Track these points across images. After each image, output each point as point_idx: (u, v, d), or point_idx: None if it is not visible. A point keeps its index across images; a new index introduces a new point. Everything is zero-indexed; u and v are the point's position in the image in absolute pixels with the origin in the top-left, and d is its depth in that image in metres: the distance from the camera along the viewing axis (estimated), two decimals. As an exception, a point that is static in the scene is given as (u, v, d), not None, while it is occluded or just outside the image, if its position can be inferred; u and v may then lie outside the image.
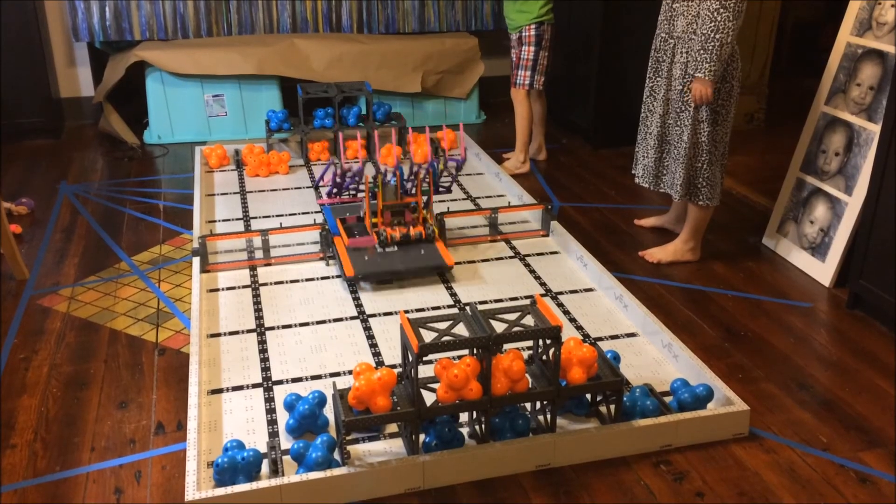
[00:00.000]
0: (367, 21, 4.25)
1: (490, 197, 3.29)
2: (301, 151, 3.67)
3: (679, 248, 2.72)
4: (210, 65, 3.79)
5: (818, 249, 2.61)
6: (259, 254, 2.68)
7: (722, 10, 2.31)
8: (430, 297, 2.49)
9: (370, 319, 2.35)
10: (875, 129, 2.41)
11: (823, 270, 2.57)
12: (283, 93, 3.96)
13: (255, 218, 3.03)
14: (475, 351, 1.73)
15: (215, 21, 4.05)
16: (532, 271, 2.66)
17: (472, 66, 4.25)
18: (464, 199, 3.26)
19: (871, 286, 2.31)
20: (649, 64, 2.63)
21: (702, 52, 2.37)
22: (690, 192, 2.61)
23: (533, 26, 3.38)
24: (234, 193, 3.27)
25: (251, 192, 3.30)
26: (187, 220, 3.01)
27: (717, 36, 2.33)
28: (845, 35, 2.61)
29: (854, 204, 2.49)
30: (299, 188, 3.34)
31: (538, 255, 2.78)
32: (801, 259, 2.68)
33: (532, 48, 3.42)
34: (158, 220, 3.04)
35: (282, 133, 3.70)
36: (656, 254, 2.74)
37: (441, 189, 2.85)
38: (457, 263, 2.66)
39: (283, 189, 3.33)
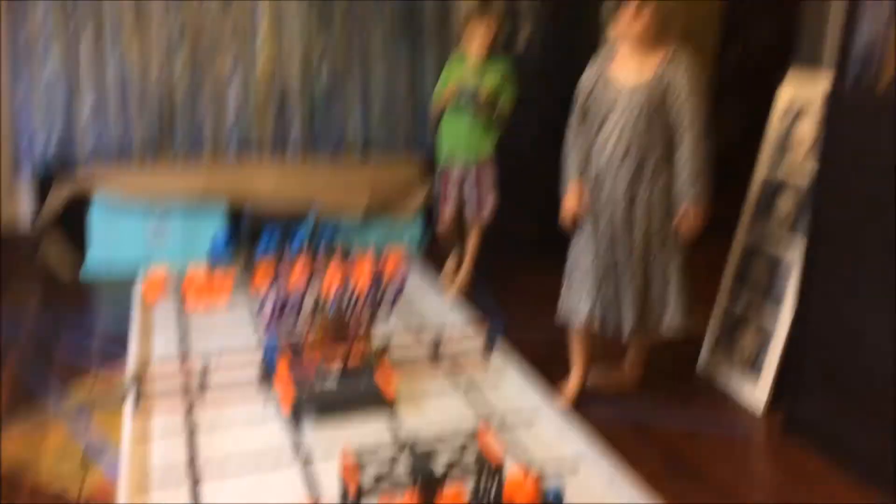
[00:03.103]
0: (314, 145, 4.35)
1: (433, 321, 3.31)
2: (244, 278, 3.66)
3: (631, 378, 2.74)
4: (154, 190, 3.81)
5: (750, 375, 2.67)
6: (196, 394, 2.62)
7: (700, 140, 2.39)
8: (370, 430, 2.44)
9: (311, 460, 2.29)
10: (794, 257, 2.53)
11: (757, 396, 2.62)
12: (229, 218, 3.99)
13: (194, 353, 2.98)
14: (416, 489, 1.70)
15: (161, 147, 4.10)
16: (476, 398, 2.64)
17: (416, 188, 4.36)
18: (406, 325, 3.27)
19: (803, 410, 2.36)
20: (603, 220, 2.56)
21: (693, 179, 2.41)
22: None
23: (490, 152, 3.51)
24: (173, 327, 3.22)
25: (191, 323, 3.25)
26: (121, 358, 2.95)
27: (702, 163, 2.40)
28: (763, 166, 2.76)
29: (781, 330, 2.57)
30: (241, 317, 3.31)
31: (482, 379, 2.77)
32: (735, 385, 2.73)
33: (488, 179, 3.52)
34: (90, 359, 2.97)
35: (225, 260, 3.70)
36: (603, 386, 2.75)
37: (381, 316, 2.86)
38: (399, 391, 2.64)
39: (226, 319, 3.29)
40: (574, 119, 2.60)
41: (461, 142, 3.52)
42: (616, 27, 2.40)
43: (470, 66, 3.45)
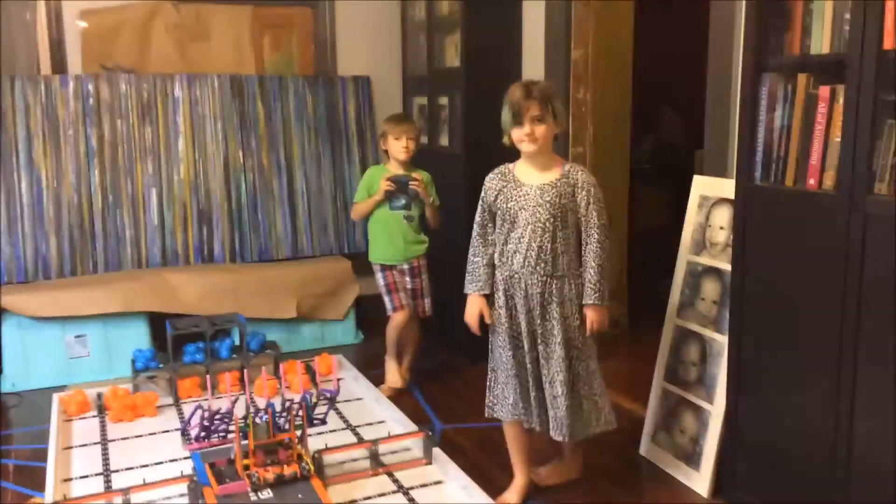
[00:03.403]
0: (241, 250, 4.30)
1: (370, 424, 3.22)
2: (170, 390, 3.52)
3: (575, 467, 2.70)
4: (73, 306, 3.67)
5: (692, 459, 2.67)
6: (121, 519, 2.46)
7: (606, 240, 2.42)
8: (308, 548, 2.33)
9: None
10: (723, 339, 2.58)
11: (700, 481, 2.62)
12: (153, 328, 3.86)
13: (118, 472, 2.82)
14: None
15: (80, 260, 3.98)
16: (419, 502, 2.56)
17: (347, 288, 4.32)
18: (343, 429, 3.18)
19: (745, 494, 2.36)
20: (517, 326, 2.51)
21: (600, 281, 2.40)
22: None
23: (424, 254, 3.53)
24: (95, 444, 3.05)
25: (114, 440, 3.09)
26: (39, 480, 2.76)
27: (607, 264, 2.42)
28: (685, 253, 2.85)
29: (717, 412, 2.60)
30: (167, 431, 3.16)
31: (421, 486, 2.69)
32: (677, 469, 2.72)
33: (426, 274, 3.54)
34: (6, 482, 2.77)
35: (149, 372, 3.55)
36: (546, 478, 2.71)
37: (316, 422, 2.77)
38: (337, 499, 2.54)
39: (150, 434, 3.14)
40: (478, 223, 2.56)
41: (398, 238, 3.50)
42: (514, 140, 2.42)
43: (394, 169, 3.50)
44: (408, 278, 3.55)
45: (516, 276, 2.45)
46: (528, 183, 2.44)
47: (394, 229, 3.49)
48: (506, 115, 2.41)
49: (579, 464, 2.72)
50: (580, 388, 2.48)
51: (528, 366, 2.49)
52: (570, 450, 2.70)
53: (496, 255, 2.52)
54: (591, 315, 2.43)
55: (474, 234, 2.57)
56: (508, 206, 2.45)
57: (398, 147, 3.44)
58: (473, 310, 2.55)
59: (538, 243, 2.40)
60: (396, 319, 3.55)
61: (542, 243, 2.40)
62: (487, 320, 2.54)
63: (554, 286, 2.42)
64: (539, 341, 2.46)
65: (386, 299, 3.56)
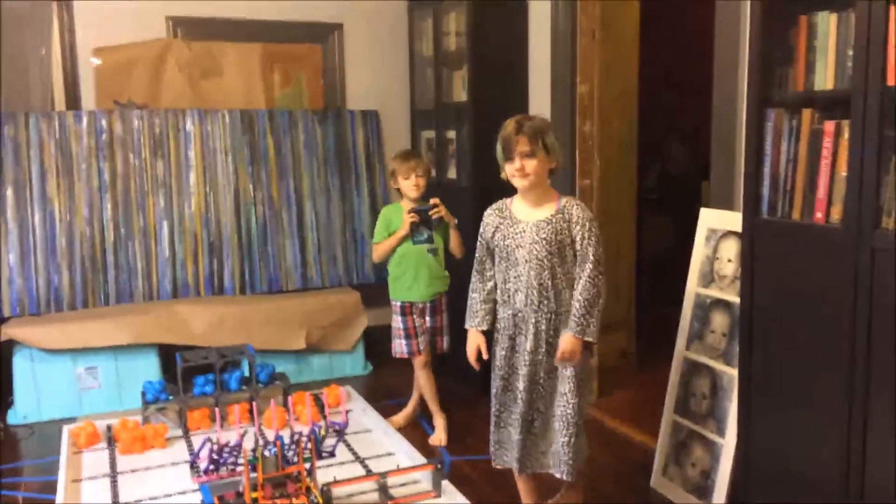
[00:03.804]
0: (251, 281, 4.33)
1: (379, 456, 3.21)
2: (180, 422, 3.52)
3: (572, 497, 2.69)
4: (84, 338, 3.70)
5: (704, 492, 2.66)
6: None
7: (599, 276, 2.40)
8: (317, 583, 2.31)
9: None
10: (733, 372, 2.58)
11: (712, 514, 2.60)
12: (162, 360, 3.87)
13: (127, 504, 2.82)
14: None
15: (91, 293, 4.01)
16: (426, 540, 2.54)
17: (355, 319, 4.34)
18: (351, 462, 3.17)
19: (757, 528, 2.34)
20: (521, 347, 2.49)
21: (585, 315, 2.37)
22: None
23: (446, 291, 3.48)
24: (104, 476, 3.05)
25: (124, 472, 3.08)
26: (49, 512, 2.76)
27: (600, 300, 2.39)
28: (693, 286, 2.86)
29: (728, 445, 2.59)
30: (177, 463, 3.16)
31: (431, 519, 2.68)
32: (689, 503, 2.71)
33: (446, 312, 3.49)
34: (16, 515, 2.78)
35: (159, 403, 3.56)
36: None
37: (324, 454, 2.77)
38: (346, 539, 2.52)
39: (159, 466, 3.14)
40: (477, 259, 2.58)
41: (423, 273, 3.44)
42: (507, 175, 2.44)
43: (408, 205, 3.45)
44: (428, 317, 3.48)
45: (520, 314, 2.45)
46: (523, 220, 2.44)
47: (420, 264, 3.43)
48: (498, 150, 2.44)
49: (580, 494, 2.68)
50: (577, 420, 2.46)
51: (521, 408, 2.46)
52: (567, 486, 2.67)
53: (498, 293, 2.53)
54: (563, 343, 2.37)
55: (474, 269, 2.58)
56: (506, 243, 2.45)
57: (408, 185, 3.41)
58: (472, 345, 2.57)
59: (538, 281, 2.40)
60: (420, 361, 3.50)
61: (543, 280, 2.40)
62: (485, 356, 2.55)
63: (560, 322, 2.42)
64: (542, 378, 2.45)
65: (402, 343, 3.48)
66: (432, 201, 3.40)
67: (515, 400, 2.49)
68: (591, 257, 2.38)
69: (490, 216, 2.53)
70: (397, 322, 3.49)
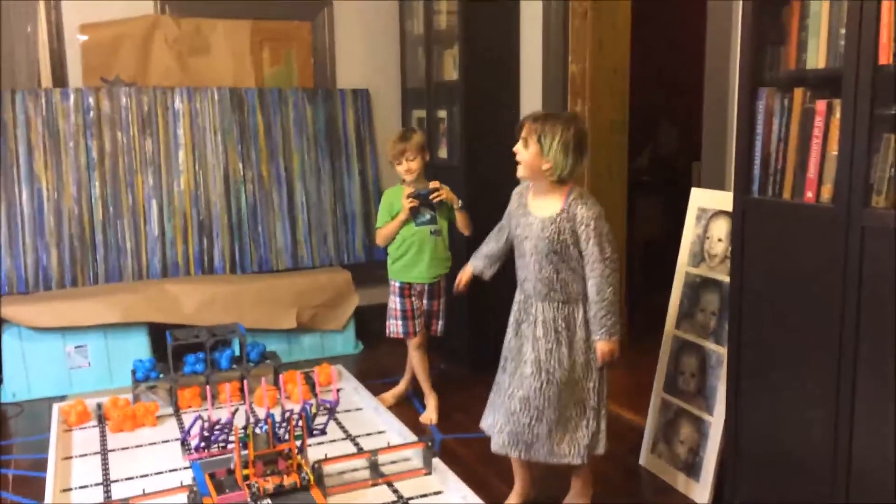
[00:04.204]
0: (241, 261, 4.31)
1: (370, 434, 3.23)
2: (170, 400, 3.53)
3: (583, 492, 2.67)
4: (73, 316, 3.68)
5: (692, 469, 2.69)
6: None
7: (612, 274, 2.41)
8: (309, 558, 2.33)
9: None
10: (722, 351, 2.59)
11: (700, 491, 2.63)
12: (153, 339, 3.86)
13: (117, 481, 2.82)
14: None
15: (80, 271, 3.99)
16: (416, 516, 2.57)
17: (346, 299, 4.34)
18: (343, 439, 3.18)
19: (745, 504, 2.37)
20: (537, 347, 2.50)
21: (606, 315, 2.40)
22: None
23: (446, 274, 3.45)
24: (95, 454, 3.06)
25: (114, 450, 3.09)
26: (39, 489, 2.76)
27: (613, 297, 2.41)
28: (683, 265, 2.87)
29: (717, 423, 2.61)
30: (167, 441, 3.17)
31: (421, 496, 2.70)
32: (677, 480, 2.73)
33: (444, 297, 3.48)
34: (6, 492, 2.77)
35: (149, 382, 3.56)
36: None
37: (315, 432, 2.78)
38: (337, 513, 2.54)
39: (150, 444, 3.15)
40: (500, 225, 2.68)
41: (426, 255, 3.39)
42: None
43: (410, 187, 3.39)
44: (426, 300, 3.45)
45: (530, 300, 2.50)
46: (534, 213, 2.47)
47: (422, 246, 3.38)
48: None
49: (589, 486, 2.67)
50: (597, 406, 2.50)
51: (532, 397, 2.46)
52: (579, 476, 2.64)
53: (498, 254, 2.70)
54: (600, 347, 2.44)
55: (494, 229, 2.72)
56: (518, 231, 2.51)
57: (401, 170, 3.37)
58: (461, 275, 2.81)
59: (544, 273, 2.44)
60: (415, 343, 3.48)
61: (549, 274, 2.43)
62: (460, 287, 2.83)
63: (567, 311, 2.45)
64: (546, 373, 2.45)
65: (398, 323, 3.44)
66: (432, 185, 3.36)
67: (520, 385, 2.48)
68: (600, 256, 2.38)
69: (515, 195, 2.59)
70: (394, 303, 3.45)
